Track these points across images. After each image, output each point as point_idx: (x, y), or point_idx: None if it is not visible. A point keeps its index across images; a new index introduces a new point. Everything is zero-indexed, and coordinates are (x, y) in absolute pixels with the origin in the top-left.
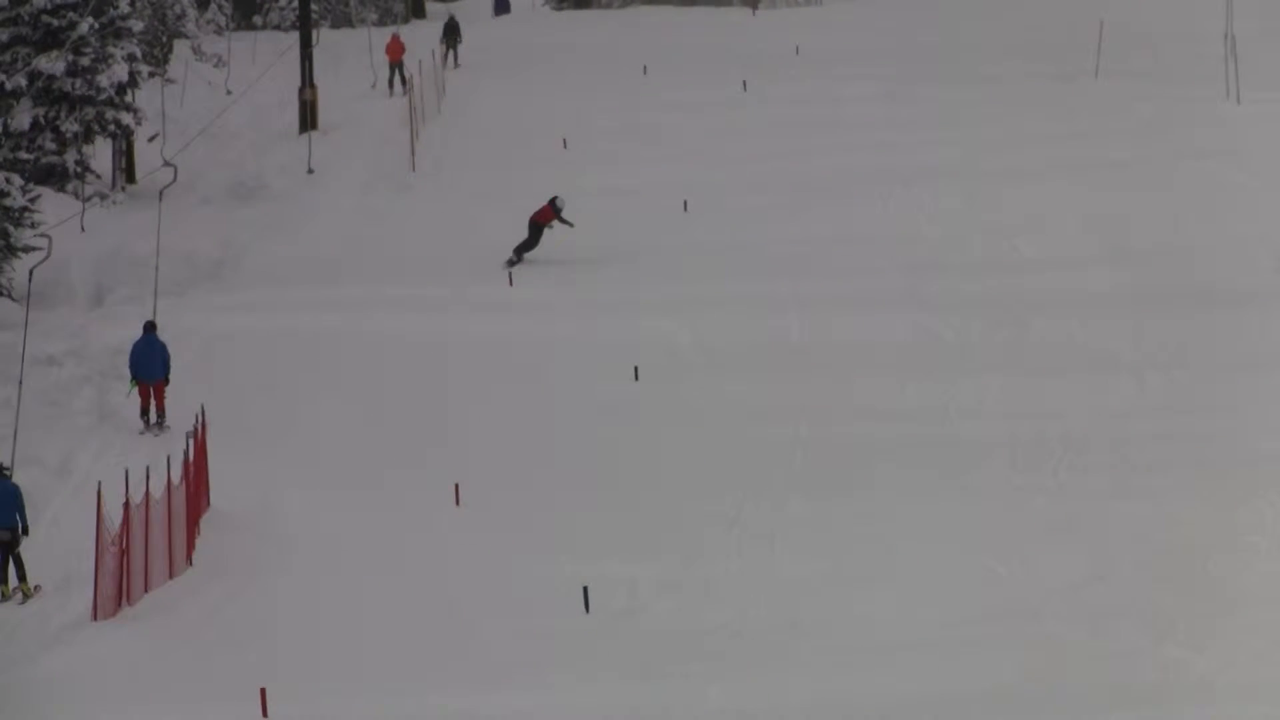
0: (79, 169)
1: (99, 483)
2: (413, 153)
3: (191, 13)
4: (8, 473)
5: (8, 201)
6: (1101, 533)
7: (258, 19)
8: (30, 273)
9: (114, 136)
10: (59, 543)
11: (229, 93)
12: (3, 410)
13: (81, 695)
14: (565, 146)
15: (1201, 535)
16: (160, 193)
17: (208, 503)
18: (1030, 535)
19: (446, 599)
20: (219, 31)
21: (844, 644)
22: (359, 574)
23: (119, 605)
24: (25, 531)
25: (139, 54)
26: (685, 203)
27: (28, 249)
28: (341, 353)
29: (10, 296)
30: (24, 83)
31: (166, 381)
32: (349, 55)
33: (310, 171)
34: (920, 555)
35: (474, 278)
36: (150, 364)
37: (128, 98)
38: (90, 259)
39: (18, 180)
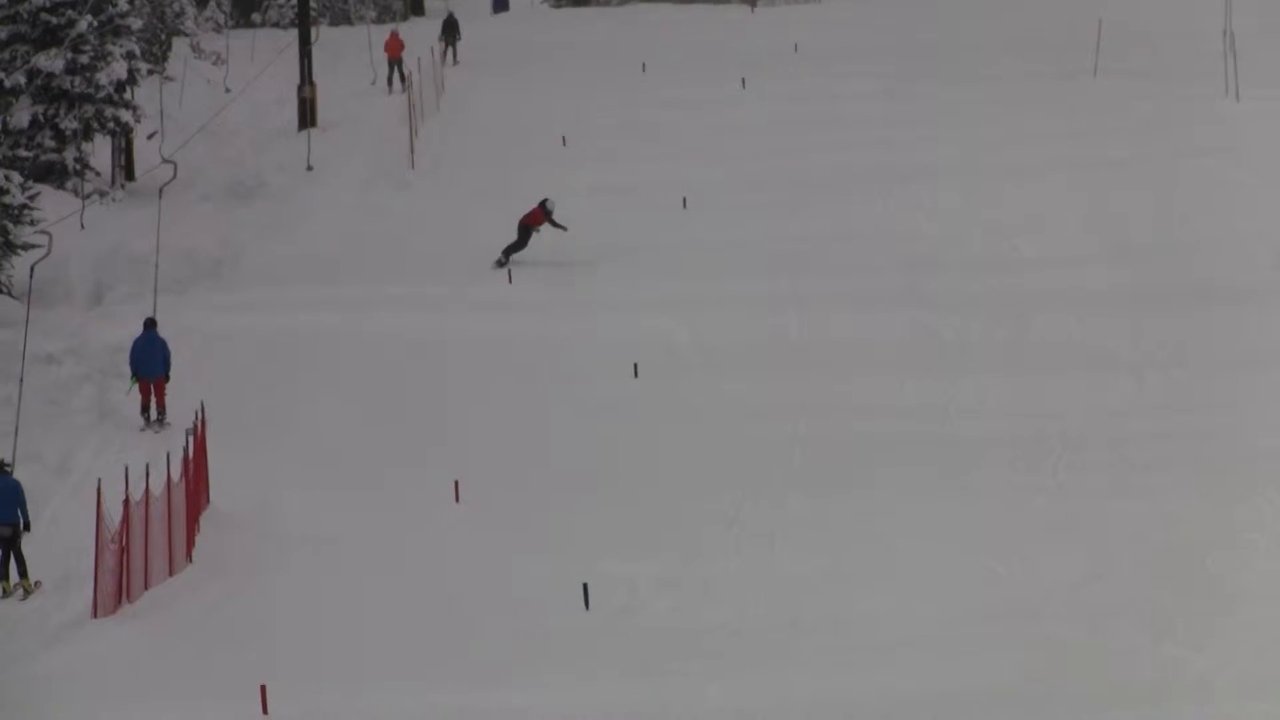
0: (78, 166)
1: (99, 480)
2: (412, 150)
3: (190, 10)
4: (9, 469)
5: (7, 199)
6: (1100, 531)
7: (256, 16)
8: (31, 270)
9: (113, 134)
10: (59, 540)
11: (228, 90)
12: (3, 408)
13: (81, 692)
14: (564, 144)
15: (1200, 533)
16: (160, 190)
17: (207, 500)
18: (1029, 533)
19: (446, 597)
20: (218, 29)
21: (843, 642)
22: (359, 572)
23: (119, 602)
24: (27, 527)
25: (138, 52)
26: (684, 200)
27: (27, 246)
28: (341, 351)
29: (10, 294)
30: (23, 80)
31: (167, 378)
32: (348, 53)
33: (309, 169)
34: (919, 553)
35: (473, 276)
36: (151, 361)
37: (127, 95)
38: (90, 257)
39: (17, 178)
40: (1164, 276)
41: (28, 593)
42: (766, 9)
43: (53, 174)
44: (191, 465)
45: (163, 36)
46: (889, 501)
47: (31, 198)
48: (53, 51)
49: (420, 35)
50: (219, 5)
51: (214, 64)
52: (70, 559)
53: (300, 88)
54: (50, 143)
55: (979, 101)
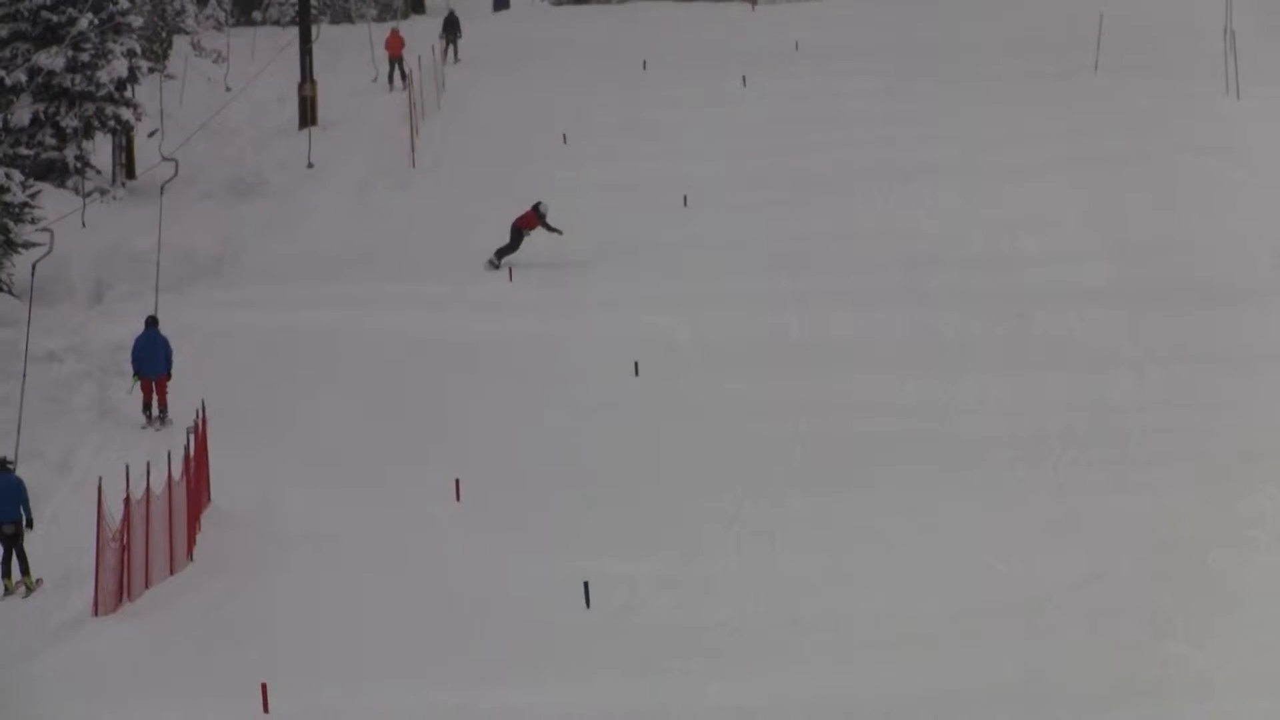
0: (79, 165)
1: (99, 478)
2: (412, 148)
3: (191, 8)
4: (11, 466)
5: (8, 197)
6: (1101, 528)
7: (257, 14)
8: (33, 268)
9: (114, 132)
10: (59, 538)
11: (228, 89)
12: (4, 406)
13: (82, 691)
14: (565, 142)
15: (1201, 530)
16: (161, 187)
17: (208, 498)
18: (1030, 531)
19: (446, 595)
20: (218, 27)
21: (844, 641)
22: (359, 570)
23: (120, 601)
24: (29, 525)
25: (138, 50)
26: (685, 198)
27: (28, 245)
28: (341, 349)
29: (11, 292)
30: (24, 78)
31: (169, 376)
32: (349, 50)
33: (310, 167)
34: (920, 551)
35: (474, 274)
36: (152, 359)
37: (127, 93)
38: (90, 255)
39: (18, 176)
40: (1164, 274)
41: (29, 590)
42: (767, 7)
43: (53, 172)
44: (192, 463)
45: (163, 34)
46: (889, 499)
47: (32, 196)
48: (53, 49)
49: (421, 33)
50: (219, 3)
51: (215, 62)
52: (71, 557)
53: (301, 86)
54: (51, 141)
55: (979, 100)
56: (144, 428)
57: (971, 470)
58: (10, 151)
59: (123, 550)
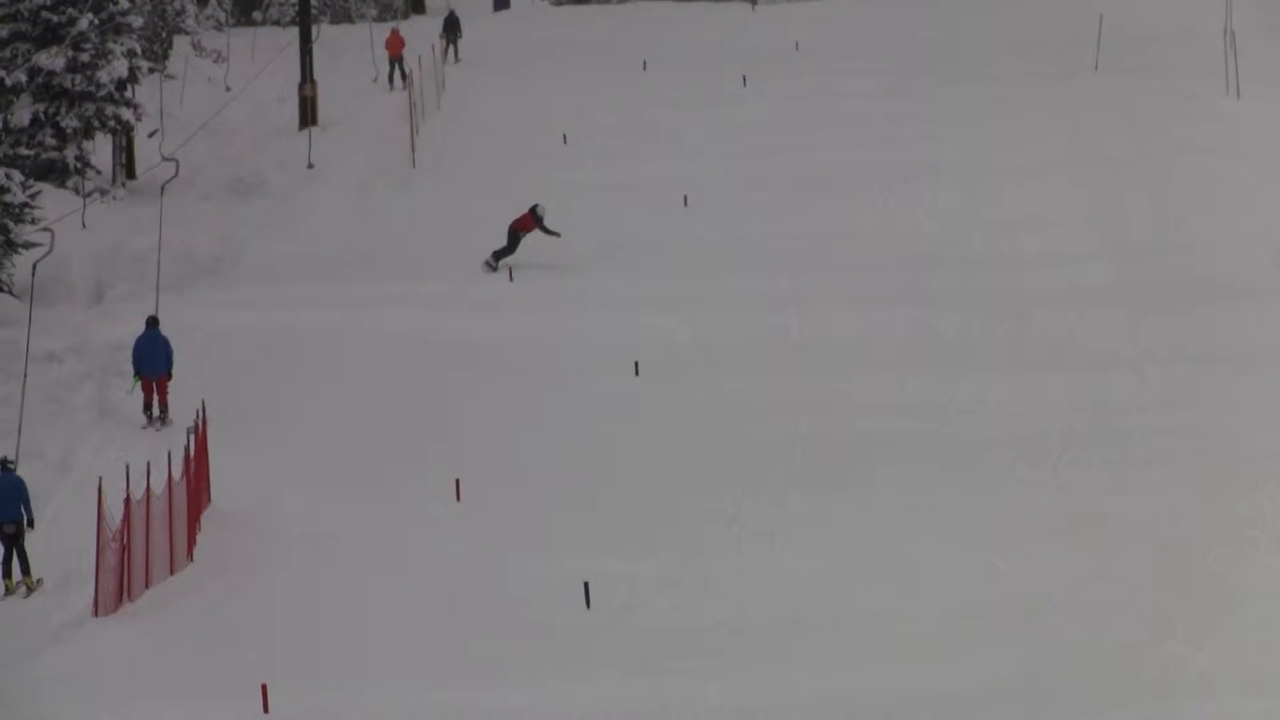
0: (79, 165)
1: (100, 479)
2: (413, 148)
3: (191, 8)
4: (12, 466)
5: (8, 198)
6: (1101, 528)
7: (257, 14)
8: (33, 268)
9: (114, 132)
10: (60, 539)
11: (228, 89)
12: (5, 406)
13: (82, 691)
14: (565, 142)
15: (1201, 530)
16: (162, 188)
17: (208, 499)
18: (1030, 531)
19: (447, 595)
20: (218, 27)
21: (844, 641)
22: (359, 570)
23: (120, 601)
24: (31, 525)
25: (139, 50)
26: (685, 198)
27: (29, 245)
28: (341, 349)
29: (11, 293)
30: (24, 79)
31: (169, 376)
32: (349, 51)
33: (310, 167)
34: (920, 551)
35: (474, 274)
36: (153, 359)
37: (127, 93)
38: (90, 255)
39: (18, 176)
40: (1164, 274)
41: (30, 590)
42: (767, 7)
43: (54, 172)
44: (192, 463)
45: (163, 34)
46: (890, 499)
47: (32, 196)
48: (53, 49)
49: (421, 33)
50: (220, 3)
51: (215, 62)
52: (71, 557)
53: (301, 86)
54: (51, 141)
55: (979, 100)
56: (144, 428)
57: (971, 470)
58: (10, 152)
59: (123, 550)
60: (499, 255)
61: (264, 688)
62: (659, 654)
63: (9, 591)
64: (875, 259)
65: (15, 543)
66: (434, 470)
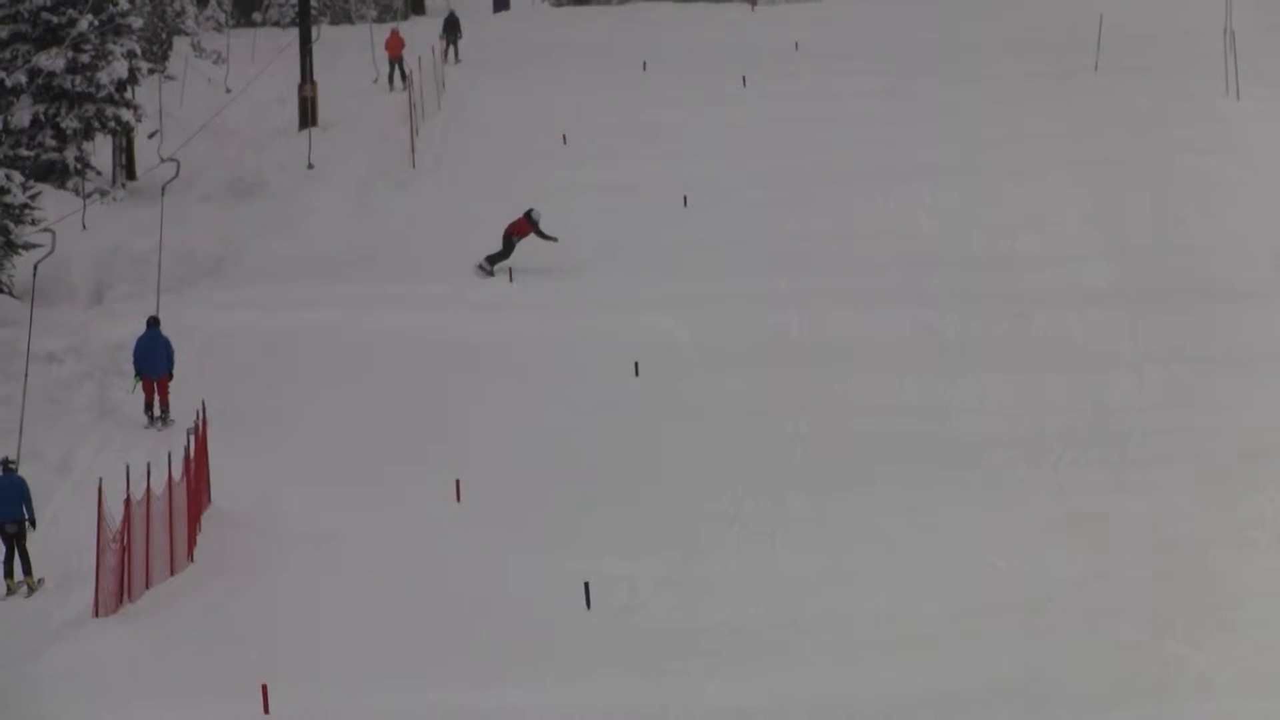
0: (79, 166)
1: (100, 479)
2: (413, 149)
3: (191, 9)
4: (13, 466)
5: (8, 199)
6: (1101, 528)
7: (257, 15)
8: (34, 268)
9: (114, 133)
10: (60, 539)
11: (228, 90)
12: (5, 406)
13: (83, 691)
14: (565, 142)
15: (1201, 530)
16: (162, 188)
17: (209, 499)
18: (1030, 531)
19: (447, 595)
20: (218, 28)
21: (844, 641)
22: (359, 570)
23: (120, 602)
24: (33, 525)
25: (138, 51)
26: (685, 199)
27: (29, 246)
28: (342, 349)
29: (11, 293)
30: (24, 80)
31: (170, 377)
32: (349, 51)
33: (310, 168)
34: (920, 551)
35: (473, 274)
36: (154, 359)
37: (127, 94)
38: (91, 256)
39: (18, 177)
40: (1164, 274)
41: (32, 590)
42: (767, 7)
43: (54, 173)
44: (192, 464)
45: (163, 35)
46: (890, 499)
47: (33, 197)
48: (53, 51)
49: (421, 34)
50: (220, 4)
51: (215, 63)
52: (72, 558)
53: (301, 86)
54: (51, 142)
55: (979, 100)
56: (145, 428)
57: (971, 470)
58: (11, 153)
59: (123, 551)
60: (493, 260)
61: (264, 688)
62: (659, 654)
63: (11, 591)
64: (875, 259)
65: (17, 543)
66: (434, 470)
